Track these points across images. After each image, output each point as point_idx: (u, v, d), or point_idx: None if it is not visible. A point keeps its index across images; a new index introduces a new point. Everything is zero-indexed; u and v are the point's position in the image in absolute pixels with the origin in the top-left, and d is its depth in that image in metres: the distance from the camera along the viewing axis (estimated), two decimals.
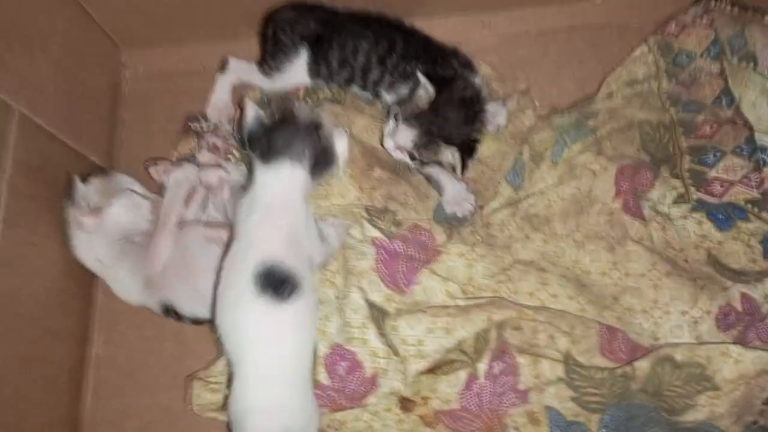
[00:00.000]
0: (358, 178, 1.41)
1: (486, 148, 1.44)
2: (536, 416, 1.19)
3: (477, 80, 1.40)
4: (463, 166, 1.34)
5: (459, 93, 1.33)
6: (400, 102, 1.40)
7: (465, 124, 1.33)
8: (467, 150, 1.34)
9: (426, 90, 1.32)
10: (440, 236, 1.35)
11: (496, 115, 1.44)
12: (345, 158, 1.22)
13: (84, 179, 1.38)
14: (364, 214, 1.36)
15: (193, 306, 1.33)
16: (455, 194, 1.41)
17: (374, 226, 1.34)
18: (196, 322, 1.36)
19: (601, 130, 1.39)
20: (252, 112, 1.20)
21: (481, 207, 1.41)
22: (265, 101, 1.56)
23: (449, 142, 1.33)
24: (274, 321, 1.11)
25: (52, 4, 1.43)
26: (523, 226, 1.35)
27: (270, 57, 1.52)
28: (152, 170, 1.48)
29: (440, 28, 1.59)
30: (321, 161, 1.21)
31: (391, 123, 1.37)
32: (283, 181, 1.19)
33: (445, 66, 1.39)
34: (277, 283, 1.11)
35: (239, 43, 1.65)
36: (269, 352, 1.12)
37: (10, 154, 1.25)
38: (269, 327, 1.11)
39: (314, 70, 1.50)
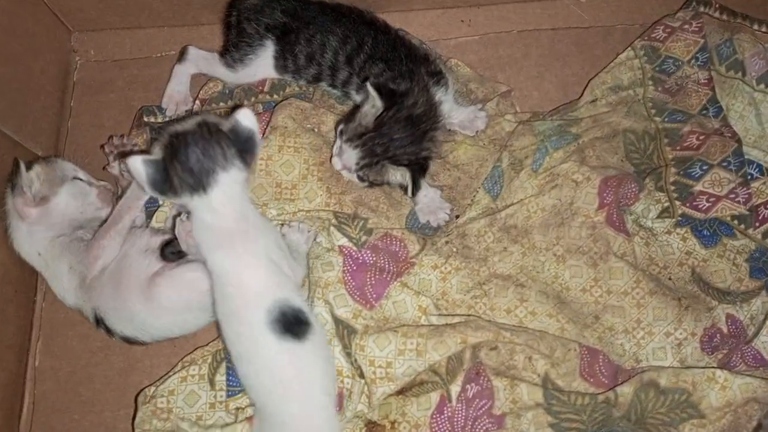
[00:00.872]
0: (327, 181, 1.32)
1: (463, 153, 1.36)
2: None
3: (441, 93, 1.31)
4: (414, 187, 1.26)
5: (406, 111, 1.24)
6: (346, 118, 1.30)
7: (412, 144, 1.25)
8: (418, 169, 1.26)
9: (374, 105, 1.23)
10: (413, 246, 1.27)
11: (474, 119, 1.36)
12: (258, 129, 1.10)
13: (27, 167, 1.25)
14: (332, 219, 1.27)
15: (119, 322, 1.23)
16: (429, 202, 1.33)
17: (343, 233, 1.25)
18: (127, 340, 1.25)
19: (584, 137, 1.32)
20: (136, 164, 1.04)
21: (457, 216, 1.33)
22: (226, 93, 1.45)
23: (396, 162, 1.25)
24: (299, 361, 1.07)
25: None
26: (501, 238, 1.27)
27: (233, 48, 1.41)
28: (112, 163, 1.39)
29: (417, 23, 1.52)
30: (243, 149, 1.08)
31: (337, 141, 1.28)
32: (229, 193, 1.07)
33: (410, 73, 1.30)
34: (292, 324, 1.06)
35: (200, 30, 1.56)
36: (302, 390, 1.07)
37: None
38: (296, 367, 1.07)
39: (281, 64, 1.40)
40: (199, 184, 1.05)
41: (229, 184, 1.06)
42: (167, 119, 1.45)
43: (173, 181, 1.04)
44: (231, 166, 1.06)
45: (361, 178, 1.29)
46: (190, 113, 1.45)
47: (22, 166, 1.24)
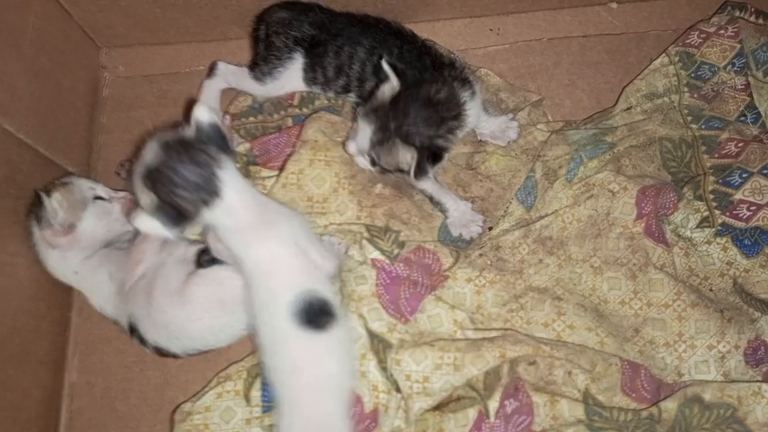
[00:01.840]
0: (358, 194, 1.31)
1: (495, 164, 1.35)
2: None
3: (466, 95, 1.27)
4: (419, 171, 1.20)
5: (425, 92, 1.21)
6: (362, 102, 1.29)
7: (426, 125, 1.20)
8: (428, 155, 1.20)
9: (391, 85, 1.21)
10: (446, 259, 1.25)
11: (506, 129, 1.35)
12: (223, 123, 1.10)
13: (46, 193, 1.25)
14: (365, 233, 1.26)
15: (153, 329, 1.23)
16: (461, 215, 1.31)
17: (375, 246, 1.24)
18: (159, 351, 1.25)
19: (620, 146, 1.30)
20: (145, 222, 1.04)
21: (490, 228, 1.31)
22: (256, 107, 1.45)
23: (407, 141, 1.20)
24: (318, 351, 1.08)
25: None
26: (537, 250, 1.25)
27: (262, 61, 1.41)
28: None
29: (444, 33, 1.51)
30: (217, 142, 1.07)
31: (354, 124, 1.27)
32: (239, 187, 1.07)
33: (435, 78, 1.27)
34: (317, 315, 1.07)
35: (228, 45, 1.56)
36: (318, 385, 1.08)
37: None
38: (316, 358, 1.08)
39: (310, 77, 1.40)
40: (210, 192, 1.04)
41: (233, 178, 1.07)
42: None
43: (185, 210, 1.03)
44: (223, 162, 1.06)
45: (373, 162, 1.26)
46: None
47: (44, 198, 1.23)
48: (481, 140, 1.37)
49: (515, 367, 1.14)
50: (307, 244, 1.12)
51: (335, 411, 1.08)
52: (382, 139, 1.22)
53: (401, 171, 1.25)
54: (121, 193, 1.35)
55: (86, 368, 1.36)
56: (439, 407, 1.16)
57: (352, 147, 1.28)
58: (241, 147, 1.38)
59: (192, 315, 1.21)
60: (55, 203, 1.24)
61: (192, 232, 1.32)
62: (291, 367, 1.08)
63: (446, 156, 1.26)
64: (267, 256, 1.09)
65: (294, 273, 1.10)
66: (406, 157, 1.22)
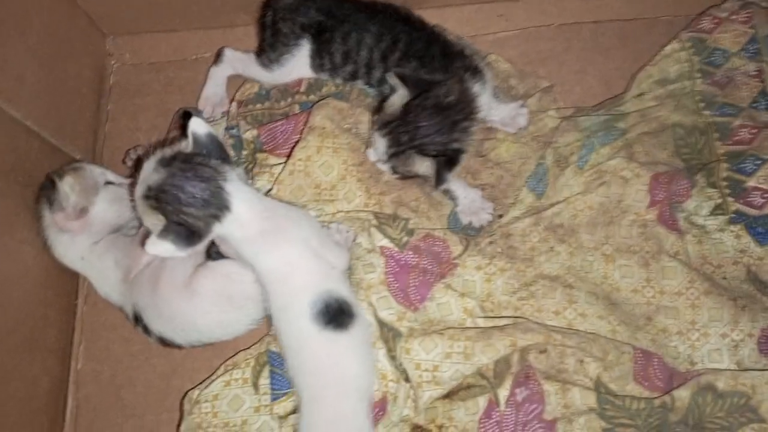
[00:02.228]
0: (366, 182, 1.30)
1: (505, 151, 1.33)
2: None
3: (477, 87, 1.26)
4: (438, 180, 1.21)
5: (434, 99, 1.19)
6: (378, 107, 1.27)
7: (439, 133, 1.19)
8: (445, 162, 1.20)
9: (400, 94, 1.20)
10: (456, 247, 1.24)
11: (516, 115, 1.33)
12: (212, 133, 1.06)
13: (58, 177, 1.25)
14: (373, 220, 1.25)
15: (158, 320, 1.23)
16: (470, 203, 1.30)
17: (383, 234, 1.23)
18: (163, 342, 1.25)
19: (632, 132, 1.28)
20: (160, 246, 0.99)
21: (500, 216, 1.30)
22: (263, 94, 1.44)
23: (422, 152, 1.20)
24: (339, 350, 1.07)
25: None
26: (547, 237, 1.24)
27: (269, 48, 1.40)
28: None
29: (453, 19, 1.50)
30: (216, 154, 1.05)
31: (372, 132, 1.26)
32: (247, 198, 1.05)
33: (445, 68, 1.26)
34: (337, 315, 1.06)
35: (235, 32, 1.55)
36: (339, 383, 1.07)
37: None
38: (338, 357, 1.07)
39: (317, 63, 1.39)
40: (220, 207, 1.02)
41: (239, 189, 1.04)
42: (209, 120, 1.45)
43: (196, 227, 1.01)
44: (228, 174, 1.04)
45: (393, 169, 1.27)
46: (226, 115, 1.44)
47: (57, 181, 1.23)
48: (490, 127, 1.35)
49: (526, 356, 1.12)
50: (319, 244, 1.11)
51: (357, 410, 1.08)
52: (397, 152, 1.22)
53: (419, 176, 1.26)
54: (130, 180, 1.33)
55: (92, 356, 1.36)
56: (448, 396, 1.14)
57: (372, 155, 1.28)
58: (248, 134, 1.37)
59: (199, 308, 1.21)
60: (67, 187, 1.24)
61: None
62: (313, 367, 1.07)
63: (463, 157, 1.25)
64: (281, 262, 1.08)
65: (311, 275, 1.09)
66: (423, 166, 1.22)
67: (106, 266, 1.29)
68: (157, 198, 1.00)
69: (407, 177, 1.28)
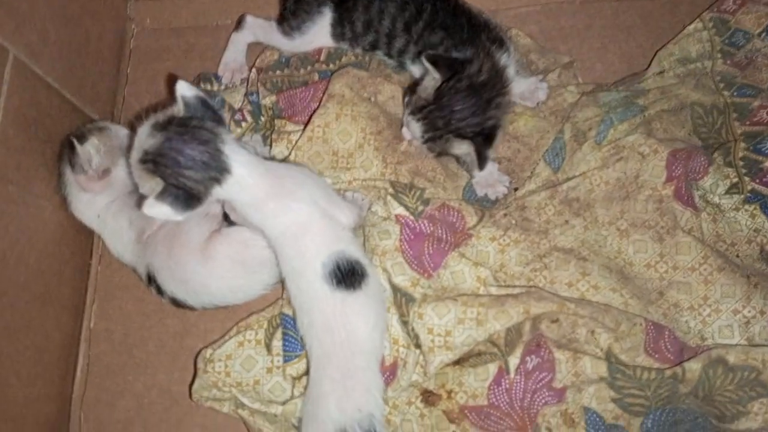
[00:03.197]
0: (383, 151, 1.31)
1: (523, 125, 1.33)
2: (572, 417, 1.09)
3: (504, 58, 1.27)
4: (481, 160, 1.22)
5: (467, 80, 1.20)
6: (411, 88, 1.27)
7: (474, 115, 1.20)
8: (484, 141, 1.21)
9: (432, 77, 1.20)
10: (471, 218, 1.25)
11: (535, 90, 1.33)
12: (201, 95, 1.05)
13: (80, 138, 1.25)
14: (389, 188, 1.25)
15: (171, 282, 1.23)
16: (487, 175, 1.30)
17: (399, 202, 1.23)
18: (175, 303, 1.26)
19: (651, 110, 1.28)
20: (156, 208, 0.99)
21: (516, 189, 1.30)
22: (282, 62, 1.44)
23: (460, 135, 1.21)
24: (350, 309, 1.07)
25: None
26: (563, 211, 1.24)
27: (291, 15, 1.40)
28: None
29: None
30: (209, 116, 1.04)
31: (405, 115, 1.27)
32: (246, 160, 1.05)
33: (471, 40, 1.27)
34: (348, 275, 1.07)
35: None
36: (348, 341, 1.07)
37: (2, 99, 1.12)
38: (347, 317, 1.07)
39: (338, 32, 1.39)
40: (221, 170, 1.02)
41: (238, 151, 1.04)
42: (223, 87, 1.45)
43: (195, 191, 1.01)
44: (224, 136, 1.03)
45: (431, 149, 1.28)
46: (245, 81, 1.45)
47: (77, 145, 1.22)
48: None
49: (538, 325, 1.13)
50: (327, 203, 1.12)
51: (366, 368, 1.08)
52: (434, 137, 1.23)
53: (457, 157, 1.28)
54: None
55: (105, 315, 1.37)
56: (459, 362, 1.15)
57: (407, 134, 1.28)
58: (267, 100, 1.37)
59: (213, 273, 1.21)
60: (91, 148, 1.23)
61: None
62: (324, 325, 1.08)
63: (500, 131, 1.26)
64: (290, 224, 1.08)
65: (321, 236, 1.09)
66: (462, 148, 1.23)
67: (120, 226, 1.29)
68: (155, 162, 1.00)
69: (444, 155, 1.29)
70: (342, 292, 1.07)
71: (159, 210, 0.99)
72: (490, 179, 1.30)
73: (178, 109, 1.03)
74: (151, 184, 1.01)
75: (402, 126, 1.30)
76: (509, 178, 1.31)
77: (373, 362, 1.10)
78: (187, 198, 1.00)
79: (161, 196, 0.99)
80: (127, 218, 1.29)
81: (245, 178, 1.04)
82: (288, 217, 1.09)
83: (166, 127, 1.01)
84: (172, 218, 1.00)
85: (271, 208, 1.08)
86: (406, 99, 1.27)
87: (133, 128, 1.26)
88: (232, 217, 1.18)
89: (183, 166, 0.99)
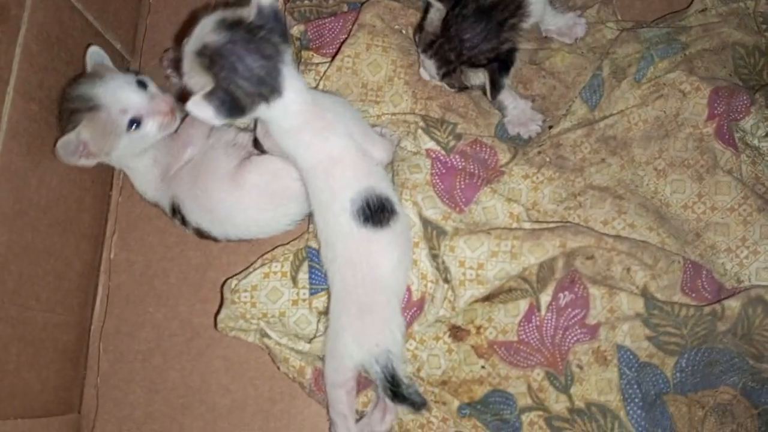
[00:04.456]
0: (414, 85, 1.27)
1: (560, 61, 1.29)
2: (605, 355, 1.07)
3: None
4: (494, 88, 1.15)
5: (474, 4, 1.12)
6: (419, 26, 1.23)
7: (486, 40, 1.13)
8: (499, 67, 1.14)
9: (437, 8, 1.14)
10: (504, 155, 1.21)
11: (573, 25, 1.29)
12: (278, 8, 1.00)
13: (69, 119, 1.16)
14: (420, 122, 1.22)
15: (197, 212, 1.20)
16: (519, 114, 1.26)
17: (430, 136, 1.20)
18: (200, 233, 1.23)
19: (692, 48, 1.24)
20: (198, 108, 0.95)
21: (550, 127, 1.27)
22: None
23: (474, 65, 1.15)
24: (376, 246, 1.05)
25: None
26: (599, 149, 1.21)
27: None
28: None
29: None
30: (280, 31, 1.00)
31: (418, 51, 1.22)
32: (298, 86, 1.03)
33: None
34: (377, 212, 1.05)
35: None
36: (371, 277, 1.05)
37: (26, 13, 1.08)
38: (372, 254, 1.05)
39: None
40: (273, 89, 0.99)
41: (294, 76, 1.01)
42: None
43: (242, 102, 0.97)
44: (286, 56, 1.00)
45: (450, 85, 1.24)
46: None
47: (65, 139, 1.12)
48: (546, 37, 1.31)
49: (572, 261, 1.11)
50: (363, 138, 1.09)
51: (386, 303, 1.07)
52: (448, 71, 1.18)
53: (480, 88, 1.21)
54: (157, 99, 1.20)
55: (126, 246, 1.34)
56: (488, 298, 1.13)
57: (425, 74, 1.24)
58: (295, 29, 1.33)
59: (240, 203, 1.18)
60: (85, 134, 1.14)
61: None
62: (347, 260, 1.06)
63: (518, 56, 1.19)
64: (324, 157, 1.06)
65: (353, 171, 1.07)
66: (480, 77, 1.17)
67: (143, 164, 1.25)
68: (211, 59, 0.96)
69: (465, 89, 1.24)
70: (368, 230, 1.05)
71: (203, 110, 0.95)
72: (522, 117, 1.26)
73: (249, 14, 0.99)
74: (200, 80, 0.97)
75: (419, 67, 1.25)
76: (543, 116, 1.27)
77: (394, 299, 1.08)
78: (232, 107, 0.97)
79: (209, 97, 0.95)
80: (152, 156, 1.24)
81: (292, 103, 1.02)
82: (322, 150, 1.06)
83: (234, 28, 0.97)
84: (211, 122, 0.97)
85: (307, 138, 1.06)
86: (417, 38, 1.22)
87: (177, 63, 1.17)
88: (265, 144, 1.15)
89: (239, 75, 0.96)
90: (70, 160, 1.15)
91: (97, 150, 1.17)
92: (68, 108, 1.16)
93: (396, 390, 1.03)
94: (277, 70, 0.99)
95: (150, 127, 1.18)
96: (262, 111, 1.01)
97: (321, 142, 1.06)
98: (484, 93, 1.20)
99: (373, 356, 1.04)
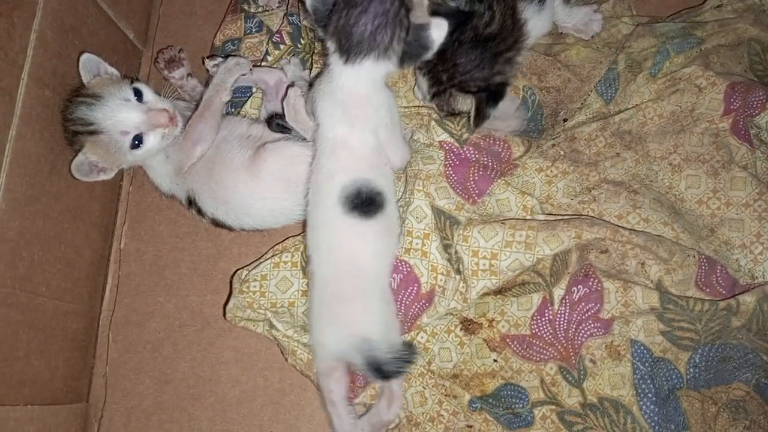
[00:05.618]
0: None
1: (575, 55, 1.29)
2: (618, 350, 1.06)
3: (529, 11, 1.17)
4: (478, 117, 1.14)
5: (471, 32, 1.12)
6: None
7: (479, 69, 1.13)
8: (488, 97, 1.13)
9: (438, 28, 1.11)
10: (517, 148, 1.21)
11: (589, 21, 1.29)
12: (439, 46, 1.03)
13: (73, 140, 1.16)
14: (434, 114, 1.21)
15: (213, 202, 1.20)
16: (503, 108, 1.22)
17: (444, 129, 1.20)
18: (216, 223, 1.23)
19: (708, 43, 1.23)
20: None
21: (565, 120, 1.26)
22: None
23: (464, 90, 1.15)
24: (358, 236, 1.06)
25: None
26: (614, 143, 1.20)
27: None
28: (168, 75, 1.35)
29: None
30: (410, 52, 1.03)
31: (415, 72, 1.22)
32: (367, 80, 1.04)
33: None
34: (363, 203, 1.05)
35: None
36: (351, 265, 1.06)
37: (41, 0, 1.08)
38: (353, 242, 1.06)
39: None
40: (347, 51, 1.01)
41: (372, 71, 1.03)
42: (260, 9, 1.40)
43: (330, 23, 1.01)
44: (386, 59, 1.02)
45: (438, 107, 1.23)
46: (284, 3, 1.40)
47: (74, 165, 1.14)
48: (561, 33, 1.31)
49: (586, 255, 1.10)
50: (386, 137, 1.09)
51: (365, 293, 1.07)
52: (438, 91, 1.18)
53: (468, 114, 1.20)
54: (157, 107, 1.17)
55: (136, 236, 1.34)
56: (501, 291, 1.13)
57: (418, 93, 1.24)
58: (309, 21, 1.33)
59: (256, 193, 1.18)
60: (92, 156, 1.15)
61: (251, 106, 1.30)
62: (328, 244, 1.07)
63: (508, 90, 1.18)
64: (341, 139, 1.07)
65: (357, 161, 1.07)
66: (467, 103, 1.17)
67: (157, 161, 1.24)
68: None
69: (455, 114, 1.22)
70: (353, 218, 1.05)
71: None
72: (508, 111, 1.24)
73: (418, 20, 1.02)
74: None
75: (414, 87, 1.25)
76: (525, 116, 1.25)
77: (374, 289, 1.08)
78: (324, 17, 1.03)
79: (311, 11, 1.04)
80: (164, 153, 1.23)
81: (348, 79, 1.04)
82: (342, 132, 1.07)
83: None
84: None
85: (338, 114, 1.06)
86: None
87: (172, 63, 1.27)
88: (293, 108, 1.16)
89: (349, 7, 1.00)
90: (89, 178, 1.17)
91: (109, 165, 1.18)
92: (70, 129, 1.15)
93: (381, 371, 1.04)
94: (367, 51, 1.01)
95: (152, 141, 1.17)
96: (339, 67, 1.03)
97: (346, 126, 1.07)
98: (469, 120, 1.18)
99: (352, 346, 1.04)
